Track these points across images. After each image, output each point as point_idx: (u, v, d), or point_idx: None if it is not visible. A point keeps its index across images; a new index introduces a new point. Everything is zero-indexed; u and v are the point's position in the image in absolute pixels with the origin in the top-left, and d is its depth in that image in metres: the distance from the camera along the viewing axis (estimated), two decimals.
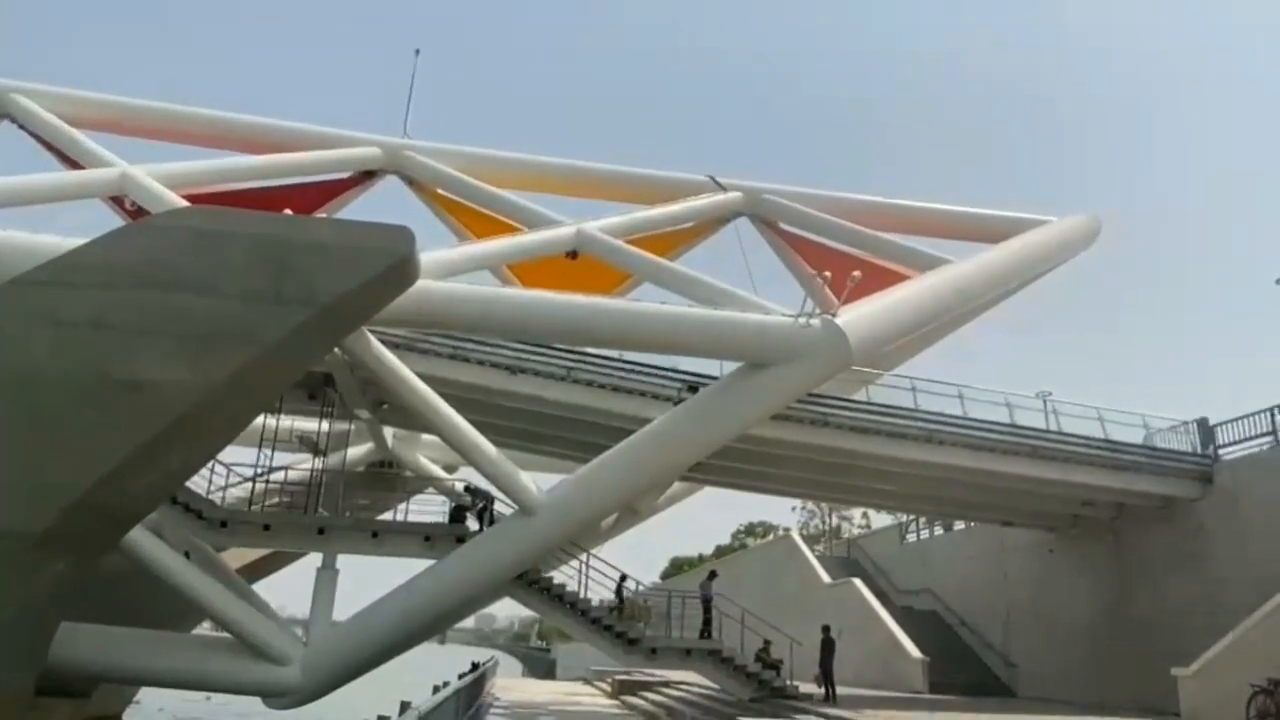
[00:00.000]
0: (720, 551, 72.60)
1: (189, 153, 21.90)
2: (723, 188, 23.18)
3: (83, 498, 14.05)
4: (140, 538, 16.18)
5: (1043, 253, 21.85)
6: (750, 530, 75.18)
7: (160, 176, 18.80)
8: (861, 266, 17.83)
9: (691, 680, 25.26)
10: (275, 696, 16.87)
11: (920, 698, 23.88)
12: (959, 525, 33.32)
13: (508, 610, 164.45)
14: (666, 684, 28.16)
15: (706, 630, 19.93)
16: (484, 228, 20.90)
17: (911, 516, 37.13)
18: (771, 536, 65.48)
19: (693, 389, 18.52)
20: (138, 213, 18.20)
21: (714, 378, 18.36)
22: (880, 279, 18.95)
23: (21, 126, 20.88)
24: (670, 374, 19.44)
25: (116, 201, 19.45)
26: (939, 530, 35.52)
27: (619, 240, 19.90)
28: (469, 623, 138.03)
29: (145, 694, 21.76)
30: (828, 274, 16.90)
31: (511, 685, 36.15)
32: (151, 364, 14.10)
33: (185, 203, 17.33)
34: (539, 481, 18.18)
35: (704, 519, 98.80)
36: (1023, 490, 22.37)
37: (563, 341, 18.99)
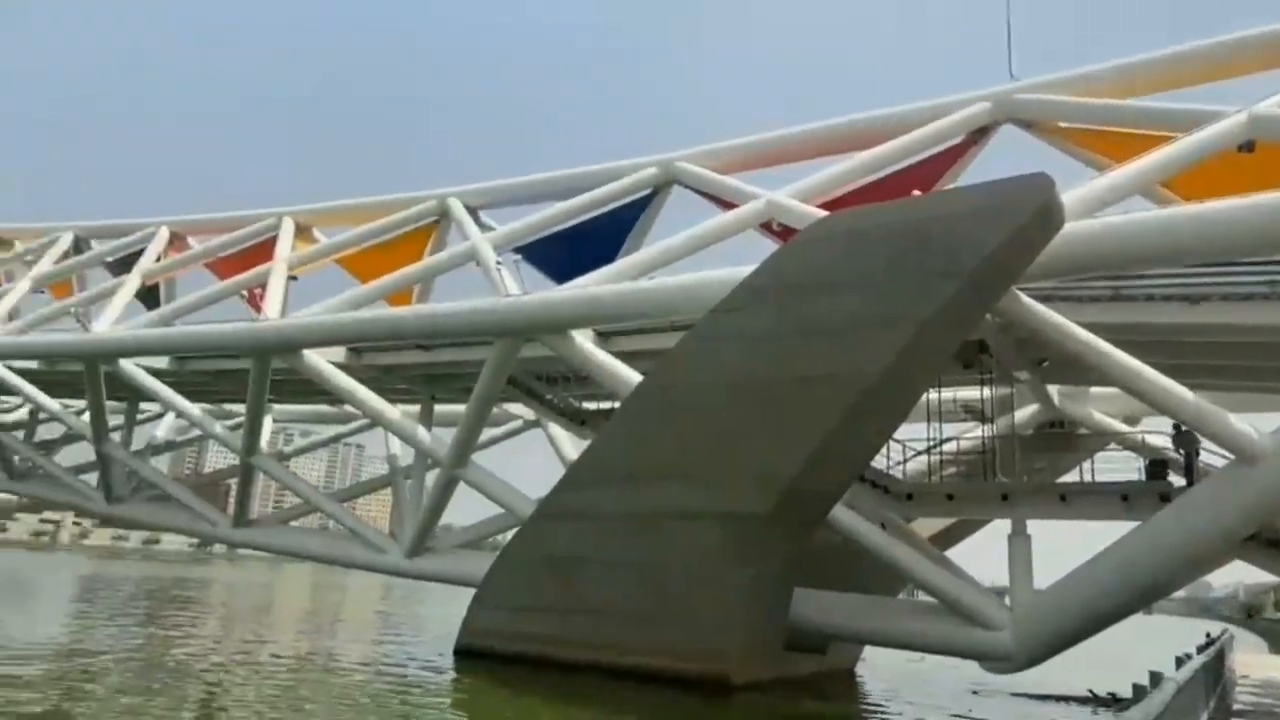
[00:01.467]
0: None
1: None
2: None
3: (792, 482, 16.41)
4: (842, 513, 18.15)
5: None
6: None
7: (797, 194, 21.07)
8: None
9: None
10: (989, 661, 17.20)
11: None
12: None
13: (1227, 577, 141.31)
14: None
15: None
16: (1123, 149, 18.45)
17: None
18: None
19: None
20: (785, 232, 20.66)
21: None
22: None
23: (686, 186, 25.55)
24: None
25: (765, 227, 22.37)
26: None
27: None
28: (1180, 592, 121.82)
29: (868, 652, 24.21)
30: None
31: (1253, 662, 30.74)
32: (820, 361, 15.83)
33: (823, 212, 19.06)
34: (1253, 424, 15.19)
35: None
36: None
37: (1272, 253, 15.49)
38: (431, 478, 25.62)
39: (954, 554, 20.92)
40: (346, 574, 74.89)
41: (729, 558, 17.07)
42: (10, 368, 31.25)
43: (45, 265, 34.70)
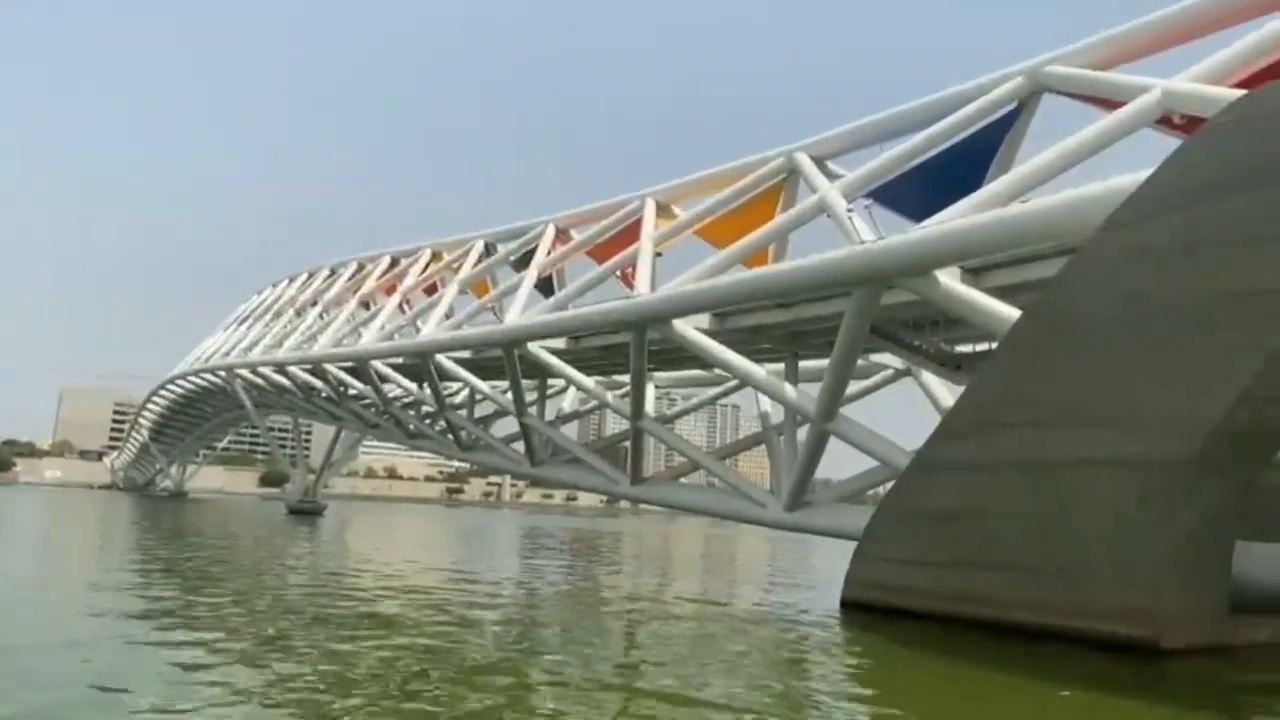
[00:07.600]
0: None
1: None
2: None
3: (1223, 420, 13.92)
4: None
5: None
6: None
7: (1203, 76, 17.59)
8: None
9: None
10: None
11: None
12: None
13: None
14: None
15: None
16: None
17: None
18: None
19: None
20: (1189, 125, 17.36)
21: None
22: None
23: (1058, 93, 22.46)
24: None
25: (1164, 122, 18.98)
26: None
27: None
28: None
29: None
30: None
31: None
32: (1256, 270, 13.15)
33: (1238, 92, 15.69)
34: None
35: None
36: None
37: None
38: (804, 433, 25.94)
39: None
40: (736, 525, 79.11)
41: (1145, 507, 15.00)
42: (451, 358, 37.69)
43: (466, 270, 40.97)
